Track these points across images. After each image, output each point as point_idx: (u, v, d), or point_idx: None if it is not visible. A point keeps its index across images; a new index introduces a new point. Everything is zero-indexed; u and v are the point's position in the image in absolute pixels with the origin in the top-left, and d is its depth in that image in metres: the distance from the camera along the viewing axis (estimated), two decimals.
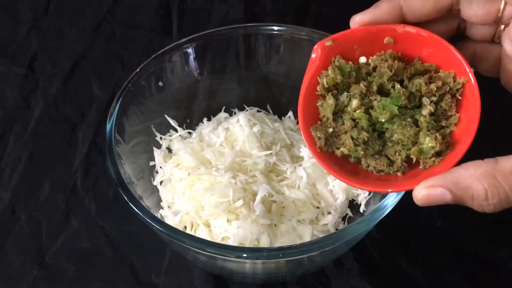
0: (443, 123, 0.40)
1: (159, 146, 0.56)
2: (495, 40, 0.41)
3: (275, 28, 0.56)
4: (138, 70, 0.52)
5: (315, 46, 0.42)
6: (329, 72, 0.42)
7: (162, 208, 0.52)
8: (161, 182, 0.54)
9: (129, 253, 0.54)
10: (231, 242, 0.47)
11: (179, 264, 0.53)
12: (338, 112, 0.42)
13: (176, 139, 0.56)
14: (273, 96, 0.60)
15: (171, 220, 0.50)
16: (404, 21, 0.41)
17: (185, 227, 0.50)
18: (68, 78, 0.70)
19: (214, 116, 0.59)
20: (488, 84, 0.41)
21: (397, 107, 0.40)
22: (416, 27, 0.41)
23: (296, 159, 0.55)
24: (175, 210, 0.51)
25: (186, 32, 0.70)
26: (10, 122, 0.65)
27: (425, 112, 0.40)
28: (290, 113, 0.59)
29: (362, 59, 0.42)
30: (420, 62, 0.41)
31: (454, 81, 0.39)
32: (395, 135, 0.40)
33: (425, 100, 0.40)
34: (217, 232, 0.49)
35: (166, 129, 0.57)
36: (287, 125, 0.58)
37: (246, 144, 0.54)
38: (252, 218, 0.48)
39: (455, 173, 0.36)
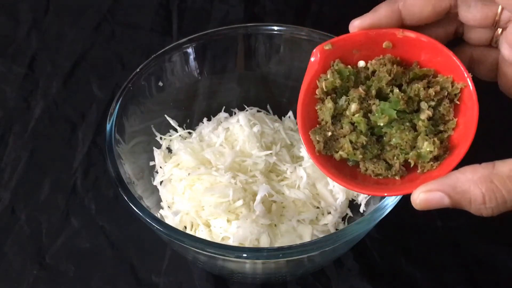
0: (441, 127, 0.40)
1: (159, 146, 0.56)
2: (493, 44, 0.41)
3: (275, 28, 0.56)
4: (138, 70, 0.52)
5: (314, 50, 0.42)
6: (328, 76, 0.42)
7: (162, 208, 0.52)
8: (161, 182, 0.54)
9: (129, 253, 0.54)
10: (231, 242, 0.47)
11: (179, 264, 0.53)
12: (337, 116, 0.42)
13: (176, 139, 0.56)
14: (273, 96, 0.60)
15: (171, 220, 0.50)
16: (403, 25, 0.41)
17: (185, 227, 0.50)
18: (68, 78, 0.70)
19: (214, 116, 0.59)
20: (486, 88, 0.41)
21: (395, 111, 0.40)
22: (415, 32, 0.41)
23: (296, 159, 0.55)
24: (175, 210, 0.51)
25: (186, 32, 0.70)
26: (10, 122, 0.65)
27: (423, 116, 0.40)
28: (290, 113, 0.59)
29: (361, 63, 0.42)
30: (418, 66, 0.41)
31: (452, 86, 0.40)
32: (394, 139, 0.40)
33: (423, 105, 0.40)
34: (217, 232, 0.49)
35: (166, 129, 0.57)
36: (287, 125, 0.58)
37: (246, 144, 0.54)
38: (252, 218, 0.48)
39: (453, 177, 0.36)
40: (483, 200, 0.35)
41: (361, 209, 0.51)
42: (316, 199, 0.52)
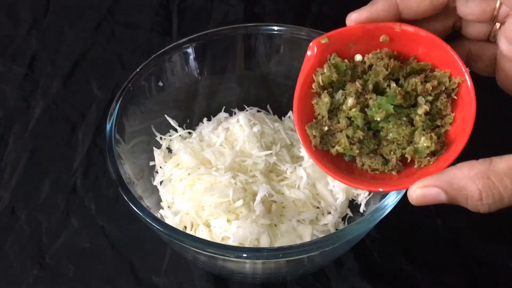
0: (438, 122, 0.40)
1: (159, 146, 0.56)
2: (491, 39, 0.41)
3: (275, 28, 0.56)
4: (138, 70, 0.52)
5: (311, 44, 0.42)
6: (325, 70, 0.41)
7: (162, 208, 0.52)
8: (161, 182, 0.54)
9: (129, 253, 0.54)
10: (231, 242, 0.47)
11: (179, 264, 0.53)
12: (333, 110, 0.42)
13: (176, 139, 0.56)
14: (273, 96, 0.60)
15: (171, 220, 0.50)
16: (400, 18, 0.41)
17: (185, 227, 0.50)
18: (68, 78, 0.70)
19: (214, 116, 0.59)
20: (484, 83, 0.41)
21: (392, 106, 0.40)
22: (412, 25, 0.40)
23: (296, 159, 0.55)
24: (175, 210, 0.51)
25: (186, 32, 0.70)
26: (10, 122, 0.65)
27: (420, 111, 0.40)
28: (290, 113, 0.59)
29: (358, 57, 0.42)
30: (416, 61, 0.41)
31: (450, 81, 0.39)
32: (390, 134, 0.40)
33: (421, 100, 0.40)
34: (217, 232, 0.49)
35: (166, 129, 0.57)
36: (287, 125, 0.58)
37: (246, 144, 0.54)
38: (252, 218, 0.48)
39: (450, 173, 0.36)
40: (479, 197, 0.35)
41: (361, 209, 0.51)
42: (316, 199, 0.52)
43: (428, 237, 0.54)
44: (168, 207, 0.52)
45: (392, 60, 0.41)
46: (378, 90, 0.41)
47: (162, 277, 0.52)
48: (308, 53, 0.42)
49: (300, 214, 0.50)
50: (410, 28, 0.40)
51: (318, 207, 0.52)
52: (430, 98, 0.40)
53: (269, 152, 0.53)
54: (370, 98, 0.40)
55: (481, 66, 0.42)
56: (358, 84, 0.41)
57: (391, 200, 0.43)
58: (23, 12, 0.77)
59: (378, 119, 0.40)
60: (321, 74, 0.42)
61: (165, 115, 0.56)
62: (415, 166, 0.40)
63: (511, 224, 0.54)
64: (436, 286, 0.51)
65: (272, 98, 0.60)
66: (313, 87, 0.42)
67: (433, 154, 0.39)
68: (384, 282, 0.52)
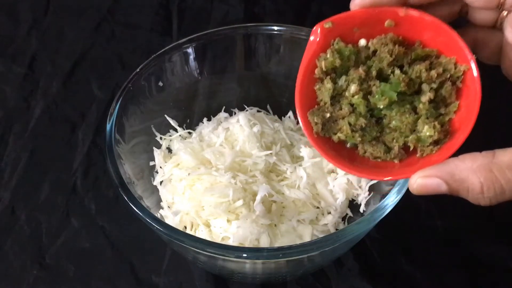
0: (442, 110, 0.39)
1: (159, 146, 0.56)
2: (497, 26, 0.40)
3: (275, 28, 0.56)
4: (138, 70, 0.52)
5: (314, 28, 0.41)
6: (328, 55, 0.41)
7: (162, 208, 0.52)
8: (161, 182, 0.54)
9: (129, 253, 0.54)
10: (231, 242, 0.47)
11: (179, 264, 0.53)
12: (336, 97, 0.41)
13: (176, 139, 0.56)
14: (273, 96, 0.60)
15: (171, 220, 0.50)
16: (406, 3, 0.40)
17: (185, 227, 0.50)
18: (68, 78, 0.70)
19: (214, 116, 0.59)
20: (490, 72, 0.40)
21: (396, 93, 0.39)
22: (418, 10, 0.40)
23: (296, 159, 0.55)
24: (175, 210, 0.51)
25: (186, 32, 0.70)
26: (10, 122, 0.65)
27: (424, 99, 0.39)
28: (290, 113, 0.59)
29: (362, 42, 0.41)
30: (421, 46, 0.40)
31: (455, 68, 0.39)
32: (393, 122, 0.40)
33: (425, 87, 0.39)
34: (217, 232, 0.49)
35: (166, 129, 0.57)
36: (287, 125, 0.58)
37: (246, 144, 0.54)
38: (252, 218, 0.48)
39: (452, 164, 0.35)
40: (481, 190, 0.34)
41: (361, 209, 0.51)
42: (316, 199, 0.52)
43: (428, 237, 0.54)
44: (168, 207, 0.52)
45: (396, 46, 0.40)
46: (382, 77, 0.40)
47: (162, 277, 0.52)
48: (311, 37, 0.41)
49: (300, 214, 0.50)
50: (415, 13, 0.39)
51: (318, 207, 0.52)
52: (434, 85, 0.39)
53: (269, 152, 0.53)
54: (374, 85, 0.39)
55: (486, 54, 0.42)
56: (361, 70, 0.40)
57: (391, 200, 0.43)
58: (23, 12, 0.77)
59: (381, 107, 0.39)
60: (324, 59, 0.41)
61: (165, 115, 0.56)
62: (417, 155, 0.39)
63: (511, 224, 0.54)
64: (436, 286, 0.51)
65: (272, 98, 0.60)
66: (315, 72, 0.41)
67: (436, 143, 0.38)
68: (384, 282, 0.52)
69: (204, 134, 0.57)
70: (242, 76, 0.59)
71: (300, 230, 0.50)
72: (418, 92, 0.40)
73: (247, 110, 0.58)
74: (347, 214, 0.52)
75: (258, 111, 0.59)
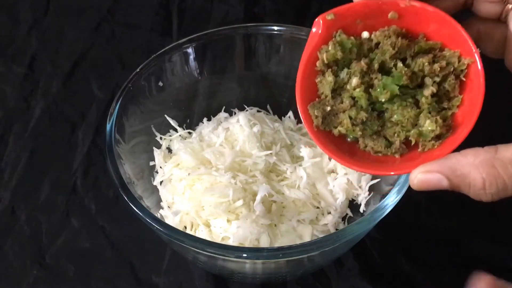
0: (445, 104, 0.39)
1: (159, 146, 0.56)
2: (502, 19, 0.40)
3: (275, 28, 0.56)
4: (138, 70, 0.52)
5: (316, 19, 0.41)
6: (330, 47, 0.40)
7: (162, 208, 0.52)
8: (161, 182, 0.54)
9: (129, 253, 0.54)
10: (231, 242, 0.47)
11: (179, 264, 0.53)
12: (337, 90, 0.40)
13: (176, 139, 0.56)
14: (273, 96, 0.60)
15: (171, 220, 0.50)
16: None
17: (185, 227, 0.50)
18: (68, 78, 0.70)
19: (214, 116, 0.59)
20: (491, 67, 0.40)
21: (398, 87, 0.38)
22: (422, 2, 0.39)
23: (296, 159, 0.55)
24: (175, 210, 0.51)
25: (186, 32, 0.70)
26: (10, 122, 0.65)
27: (427, 93, 0.38)
28: (290, 113, 0.59)
29: (365, 34, 0.40)
30: (425, 39, 0.40)
31: (459, 61, 0.38)
32: (395, 116, 0.39)
33: (428, 80, 0.39)
34: (217, 232, 0.49)
35: (166, 129, 0.57)
36: (287, 125, 0.58)
37: (246, 144, 0.54)
38: (252, 218, 0.48)
39: (454, 160, 0.35)
40: (483, 185, 0.34)
41: (361, 209, 0.51)
42: (316, 199, 0.52)
43: (428, 237, 0.54)
44: (168, 207, 0.52)
45: (399, 38, 0.39)
46: (384, 70, 0.40)
47: (162, 277, 0.52)
48: (313, 29, 0.41)
49: (300, 214, 0.50)
50: (418, 4, 0.39)
51: (318, 207, 0.52)
52: (437, 79, 0.38)
53: (269, 152, 0.53)
54: (376, 78, 0.39)
55: (490, 47, 0.41)
56: (363, 63, 0.39)
57: (391, 200, 0.43)
58: (23, 12, 0.77)
59: (383, 100, 0.39)
60: (326, 51, 0.40)
61: (165, 115, 0.56)
62: (419, 150, 0.39)
63: (511, 224, 0.54)
64: (436, 286, 0.51)
65: (272, 98, 0.60)
66: (317, 64, 0.41)
67: (438, 137, 0.38)
68: (384, 282, 0.52)
69: (204, 134, 0.57)
70: (242, 76, 0.59)
71: (300, 230, 0.50)
72: (421, 85, 0.39)
73: (247, 110, 0.58)
74: (347, 214, 0.52)
75: (258, 111, 0.59)
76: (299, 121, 0.58)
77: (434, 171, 0.35)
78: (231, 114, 0.59)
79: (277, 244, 0.48)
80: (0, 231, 0.56)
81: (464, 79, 0.38)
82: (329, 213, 0.52)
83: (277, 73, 0.58)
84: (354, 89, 0.39)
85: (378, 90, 0.39)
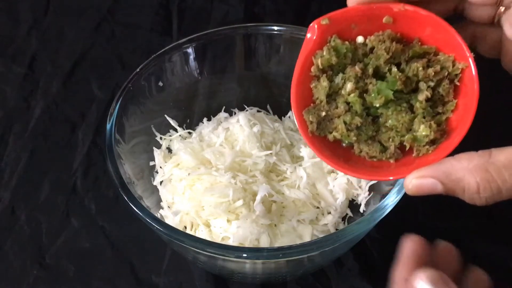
0: (440, 109, 0.39)
1: (159, 146, 0.56)
2: (495, 23, 0.40)
3: (275, 28, 0.56)
4: (138, 70, 0.52)
5: (311, 24, 0.41)
6: (324, 53, 0.40)
7: (162, 208, 0.52)
8: (161, 182, 0.54)
9: (129, 253, 0.54)
10: (231, 242, 0.47)
11: (179, 264, 0.53)
12: (332, 95, 0.41)
13: (176, 139, 0.56)
14: (273, 96, 0.60)
15: (171, 220, 0.50)
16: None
17: (185, 227, 0.50)
18: (68, 78, 0.70)
19: (214, 116, 0.59)
20: (485, 70, 0.40)
21: (392, 92, 0.39)
22: (416, 6, 0.39)
23: (296, 159, 0.55)
24: (175, 210, 0.51)
25: (186, 32, 0.70)
26: (10, 122, 0.65)
27: (421, 97, 0.38)
28: (290, 113, 0.59)
29: (360, 39, 0.41)
30: (419, 43, 0.40)
31: (453, 66, 0.38)
32: (390, 121, 0.39)
33: (422, 85, 0.39)
34: (217, 232, 0.49)
35: (166, 129, 0.57)
36: (287, 125, 0.58)
37: (246, 144, 0.54)
38: (252, 218, 0.48)
39: (448, 164, 0.35)
40: (477, 190, 0.34)
41: (361, 209, 0.51)
42: (316, 199, 0.52)
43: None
44: (168, 207, 0.52)
45: (394, 43, 0.39)
46: (379, 75, 0.40)
47: (162, 277, 0.52)
48: (308, 34, 0.41)
49: (300, 214, 0.50)
50: (412, 9, 0.39)
51: (318, 207, 0.52)
52: (432, 83, 0.39)
53: (269, 152, 0.53)
54: (370, 83, 0.39)
55: (485, 49, 0.41)
56: (357, 68, 0.39)
57: (391, 200, 0.43)
58: (23, 12, 0.77)
59: (377, 105, 0.39)
60: (321, 57, 0.40)
61: (165, 115, 0.56)
62: (413, 155, 0.39)
63: (511, 224, 0.54)
64: None
65: (272, 98, 0.60)
66: (312, 70, 0.41)
67: (432, 142, 0.38)
68: (384, 282, 0.52)
69: (204, 134, 0.57)
70: (242, 76, 0.59)
71: (300, 230, 0.50)
72: (415, 90, 0.39)
73: (247, 110, 0.58)
74: (347, 214, 0.53)
75: (258, 111, 0.59)
76: None
77: (428, 176, 0.35)
78: (231, 114, 0.59)
79: (277, 244, 0.48)
80: (0, 231, 0.56)
81: (459, 84, 0.39)
82: (329, 213, 0.52)
83: (277, 73, 0.58)
84: (349, 94, 0.39)
85: (373, 95, 0.39)
